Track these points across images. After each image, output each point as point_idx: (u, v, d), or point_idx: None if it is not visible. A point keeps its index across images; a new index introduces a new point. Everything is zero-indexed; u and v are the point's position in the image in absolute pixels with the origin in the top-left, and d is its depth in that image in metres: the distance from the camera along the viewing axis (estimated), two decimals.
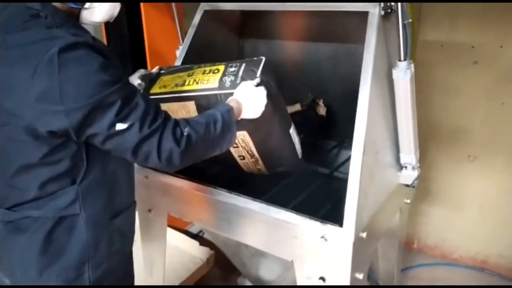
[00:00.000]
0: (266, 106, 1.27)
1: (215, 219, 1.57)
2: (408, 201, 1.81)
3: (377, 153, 1.39)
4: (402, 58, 1.35)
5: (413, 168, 1.57)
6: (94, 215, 1.10)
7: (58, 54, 0.88)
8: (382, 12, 1.36)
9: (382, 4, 1.35)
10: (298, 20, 1.91)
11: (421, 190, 2.48)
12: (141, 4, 2.28)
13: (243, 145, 1.46)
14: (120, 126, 0.94)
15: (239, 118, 1.22)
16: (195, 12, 1.86)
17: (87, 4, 1.03)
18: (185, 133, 1.03)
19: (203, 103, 1.35)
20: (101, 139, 0.96)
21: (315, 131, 1.91)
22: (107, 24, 1.36)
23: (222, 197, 1.50)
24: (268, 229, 1.40)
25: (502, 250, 2.40)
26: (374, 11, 1.37)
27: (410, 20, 1.50)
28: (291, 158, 1.56)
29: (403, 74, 1.36)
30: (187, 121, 1.08)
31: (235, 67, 1.37)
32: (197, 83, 1.39)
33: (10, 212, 1.07)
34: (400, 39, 1.33)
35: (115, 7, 1.12)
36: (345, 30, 1.77)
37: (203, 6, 1.79)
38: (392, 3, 1.34)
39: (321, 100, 1.87)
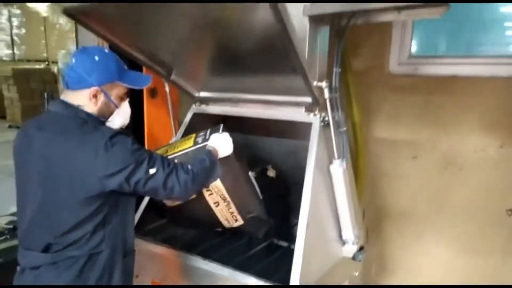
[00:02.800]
0: (230, 155, 1.79)
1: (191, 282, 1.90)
2: (356, 273, 2.15)
3: (321, 229, 1.78)
4: (336, 157, 1.81)
5: (353, 243, 1.94)
6: (113, 252, 1.51)
7: (109, 139, 1.40)
8: (322, 124, 1.85)
9: (320, 118, 1.84)
10: (262, 123, 2.39)
11: (378, 267, 2.81)
12: (144, 101, 2.81)
13: (216, 191, 1.87)
14: (152, 171, 1.44)
15: (218, 157, 1.76)
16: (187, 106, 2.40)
17: (110, 118, 1.56)
18: (189, 168, 1.56)
19: (184, 159, 1.81)
20: (142, 182, 1.44)
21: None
22: None
23: (198, 263, 1.86)
24: None
25: None
26: (316, 123, 1.86)
27: (345, 129, 2.01)
28: (254, 197, 1.99)
29: (337, 168, 1.81)
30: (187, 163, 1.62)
31: (203, 132, 1.95)
32: (177, 148, 1.91)
33: (56, 255, 1.44)
34: (333, 143, 1.80)
35: (126, 119, 1.61)
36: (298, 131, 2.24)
37: (193, 109, 2.30)
38: (326, 118, 1.82)
39: (270, 166, 2.31)
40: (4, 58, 12.70)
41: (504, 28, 2.60)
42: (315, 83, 1.73)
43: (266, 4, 1.27)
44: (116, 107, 1.57)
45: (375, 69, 2.76)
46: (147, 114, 2.85)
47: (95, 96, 1.49)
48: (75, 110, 1.48)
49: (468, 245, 2.58)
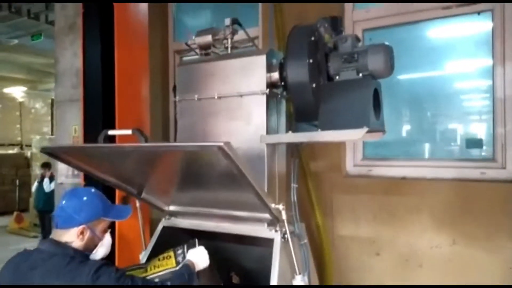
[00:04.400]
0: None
1: None
2: None
3: None
4: (297, 272, 1.93)
5: None
6: None
7: (95, 273, 1.51)
8: (283, 239, 1.99)
9: (281, 234, 1.99)
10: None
11: None
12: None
13: None
14: None
15: (197, 270, 1.86)
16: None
17: (94, 250, 1.69)
18: (169, 285, 1.65)
19: (166, 277, 1.87)
20: None
21: None
22: None
23: None
24: None
25: None
26: (277, 238, 2.00)
27: (306, 240, 2.15)
28: None
29: (299, 282, 1.92)
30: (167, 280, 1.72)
31: (180, 249, 2.01)
32: (159, 267, 1.95)
33: None
34: (293, 259, 1.92)
35: (108, 249, 1.73)
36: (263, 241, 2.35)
37: (163, 223, 2.41)
38: (287, 235, 1.97)
39: (233, 273, 2.37)
40: None
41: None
42: (273, 205, 1.90)
43: (217, 151, 1.46)
44: (100, 239, 1.71)
45: (333, 171, 3.00)
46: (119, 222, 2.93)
47: (82, 233, 1.65)
48: (63, 247, 1.62)
49: None
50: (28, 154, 11.91)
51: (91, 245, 1.68)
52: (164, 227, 2.41)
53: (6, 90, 13.24)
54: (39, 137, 11.37)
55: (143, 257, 2.38)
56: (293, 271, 2.01)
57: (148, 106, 3.21)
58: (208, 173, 1.94)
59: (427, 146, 2.98)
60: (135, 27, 3.17)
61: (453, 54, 2.89)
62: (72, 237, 1.63)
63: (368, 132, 1.89)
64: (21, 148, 12.91)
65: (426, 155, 2.95)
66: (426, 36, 2.97)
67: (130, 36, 3.11)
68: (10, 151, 12.01)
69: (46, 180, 7.32)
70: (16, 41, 8.11)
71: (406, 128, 3.16)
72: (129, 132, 1.62)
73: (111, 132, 1.68)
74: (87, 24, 3.00)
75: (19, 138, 13.29)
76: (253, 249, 2.41)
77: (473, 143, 2.71)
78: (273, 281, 1.90)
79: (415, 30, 2.97)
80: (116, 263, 2.72)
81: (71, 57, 4.09)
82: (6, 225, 9.17)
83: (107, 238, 1.75)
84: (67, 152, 1.88)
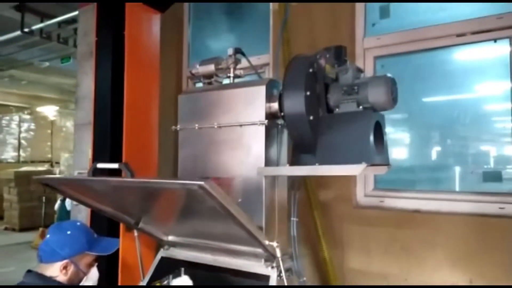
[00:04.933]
0: None
1: None
2: None
3: None
4: None
5: None
6: None
7: None
8: (278, 278, 1.90)
9: (278, 271, 1.90)
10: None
11: None
12: (121, 234, 2.89)
13: None
14: None
15: None
16: None
17: (84, 278, 1.67)
18: None
19: None
20: None
21: None
22: None
23: None
24: None
25: None
26: (273, 275, 1.91)
27: (305, 278, 2.05)
28: None
29: None
30: None
31: (166, 280, 1.99)
32: None
33: None
34: None
35: (94, 283, 1.70)
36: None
37: (161, 253, 2.37)
38: (282, 274, 1.88)
39: None
40: (10, 160, 13.18)
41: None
42: (267, 242, 1.82)
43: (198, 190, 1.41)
44: (85, 274, 1.70)
45: (343, 201, 2.88)
46: (123, 246, 2.91)
47: (65, 267, 1.66)
48: (47, 281, 1.62)
49: None
50: (57, 171, 12.29)
51: (76, 280, 1.67)
52: (162, 258, 2.36)
53: (39, 109, 13.84)
54: (67, 155, 11.73)
55: (141, 283, 2.33)
56: None
57: (157, 135, 3.23)
58: (201, 207, 1.89)
59: (444, 173, 2.81)
60: (146, 56, 3.23)
61: (473, 78, 2.74)
62: (55, 271, 1.62)
63: (371, 166, 1.80)
64: (51, 165, 13.35)
65: (443, 182, 2.78)
66: (442, 60, 2.85)
67: (141, 65, 3.17)
68: (40, 168, 12.41)
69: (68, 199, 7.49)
70: (47, 63, 8.48)
71: (423, 152, 3.01)
72: (116, 166, 1.61)
73: (100, 166, 1.68)
74: (99, 52, 3.07)
75: (49, 156, 13.79)
76: (251, 282, 2.32)
77: (491, 176, 2.54)
78: None
79: (431, 55, 2.86)
80: None
81: (91, 82, 4.21)
82: (31, 241, 9.39)
83: (93, 272, 1.73)
84: (61, 183, 1.89)
